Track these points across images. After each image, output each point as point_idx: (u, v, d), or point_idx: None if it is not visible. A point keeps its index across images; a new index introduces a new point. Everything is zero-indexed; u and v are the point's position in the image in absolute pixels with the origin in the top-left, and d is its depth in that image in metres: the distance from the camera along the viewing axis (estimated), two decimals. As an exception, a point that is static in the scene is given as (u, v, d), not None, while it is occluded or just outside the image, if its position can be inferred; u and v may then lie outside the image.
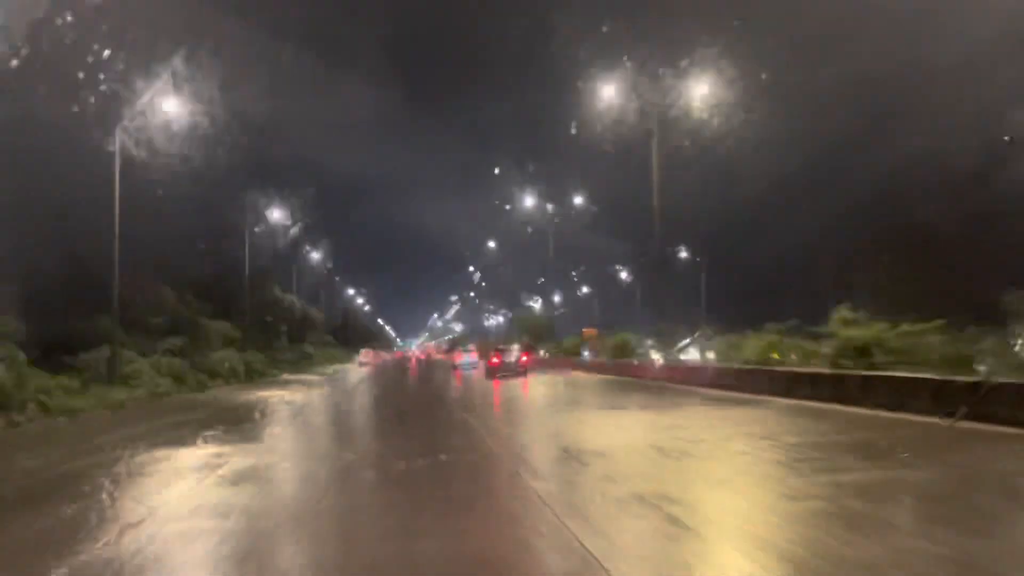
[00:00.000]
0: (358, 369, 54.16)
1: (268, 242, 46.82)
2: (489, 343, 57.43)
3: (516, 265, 73.87)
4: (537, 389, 24.35)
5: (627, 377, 26.78)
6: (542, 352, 53.01)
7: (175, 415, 18.38)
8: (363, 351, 66.43)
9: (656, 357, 25.50)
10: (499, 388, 25.33)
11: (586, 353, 35.97)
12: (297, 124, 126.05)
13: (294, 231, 47.04)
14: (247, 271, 39.06)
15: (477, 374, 35.02)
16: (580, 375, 30.72)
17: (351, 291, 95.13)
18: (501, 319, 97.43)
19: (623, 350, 30.25)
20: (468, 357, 42.95)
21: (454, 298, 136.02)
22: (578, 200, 46.10)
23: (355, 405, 22.18)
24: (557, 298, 67.38)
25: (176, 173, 27.34)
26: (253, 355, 38.29)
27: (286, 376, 41.82)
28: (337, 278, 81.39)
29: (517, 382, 27.18)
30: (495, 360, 31.67)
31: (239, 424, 15.64)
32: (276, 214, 43.65)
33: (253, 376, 36.21)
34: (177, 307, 32.42)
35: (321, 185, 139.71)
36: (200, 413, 18.67)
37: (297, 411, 19.15)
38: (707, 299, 56.64)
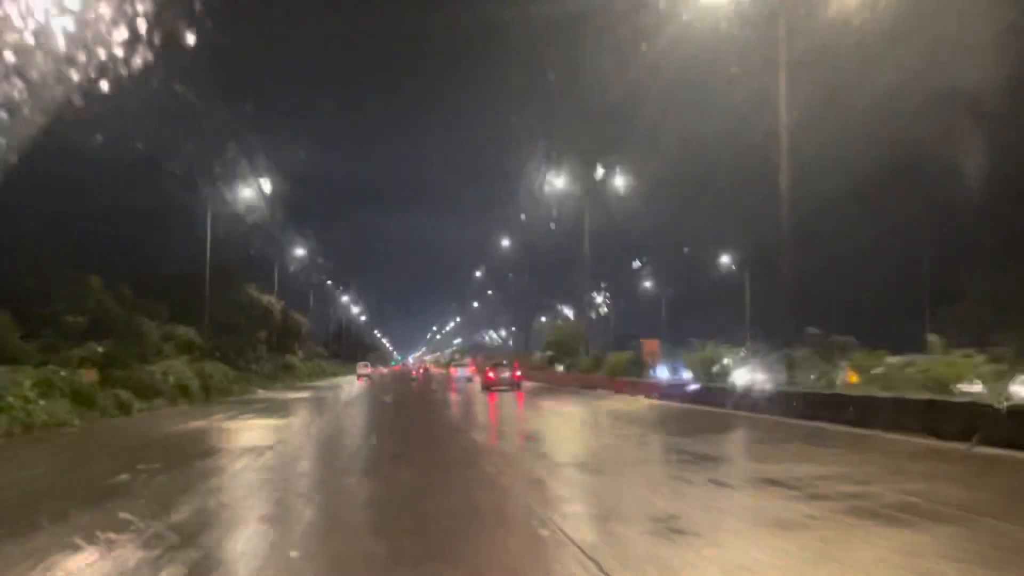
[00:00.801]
0: (354, 384, 48.72)
1: (245, 237, 39.11)
2: (495, 354, 58.57)
3: (520, 276, 67.38)
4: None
5: (722, 409, 18.62)
6: (559, 368, 44.55)
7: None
8: (361, 364, 65.19)
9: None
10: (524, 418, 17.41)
11: (658, 371, 27.09)
12: (292, 126, 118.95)
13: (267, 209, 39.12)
14: (208, 259, 30.96)
15: (472, 387, 37.51)
16: (658, 403, 22.39)
17: (345, 299, 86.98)
18: (504, 332, 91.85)
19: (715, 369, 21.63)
20: (463, 371, 47.53)
21: (456, 319, 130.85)
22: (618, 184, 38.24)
23: (341, 444, 14.02)
24: (568, 311, 59.75)
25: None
26: (213, 367, 30.09)
27: (260, 393, 34.08)
28: (329, 282, 73.40)
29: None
30: (491, 375, 34.35)
31: (82, 511, 7.43)
32: (248, 193, 35.59)
33: (212, 393, 28.08)
34: (105, 302, 24.22)
35: (316, 189, 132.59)
36: (49, 468, 10.62)
37: (238, 466, 10.90)
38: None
